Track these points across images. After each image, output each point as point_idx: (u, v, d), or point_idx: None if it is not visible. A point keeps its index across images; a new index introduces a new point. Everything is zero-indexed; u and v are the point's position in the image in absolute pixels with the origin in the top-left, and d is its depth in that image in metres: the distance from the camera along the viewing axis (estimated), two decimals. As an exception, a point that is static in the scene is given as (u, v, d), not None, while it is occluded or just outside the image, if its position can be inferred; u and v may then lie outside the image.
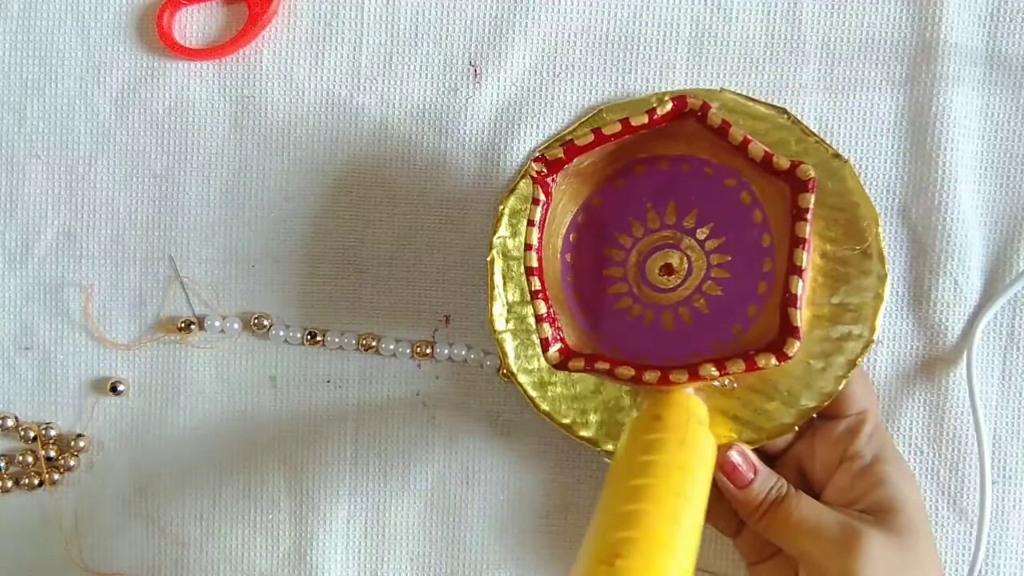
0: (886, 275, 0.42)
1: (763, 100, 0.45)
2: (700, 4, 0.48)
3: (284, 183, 0.49)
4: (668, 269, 0.43)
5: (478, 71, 0.49)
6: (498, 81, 0.49)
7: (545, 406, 0.45)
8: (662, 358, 0.41)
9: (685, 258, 0.43)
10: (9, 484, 0.49)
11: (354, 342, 0.49)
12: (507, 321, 0.46)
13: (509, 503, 0.49)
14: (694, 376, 0.39)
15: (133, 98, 0.50)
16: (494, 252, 0.46)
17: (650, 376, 0.39)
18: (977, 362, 0.48)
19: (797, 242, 0.39)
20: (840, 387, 0.42)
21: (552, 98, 0.49)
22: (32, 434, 0.49)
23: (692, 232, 0.43)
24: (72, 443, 0.49)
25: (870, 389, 0.44)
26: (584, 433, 0.45)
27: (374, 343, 0.49)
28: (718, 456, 0.41)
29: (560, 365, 0.40)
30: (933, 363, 0.48)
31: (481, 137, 0.49)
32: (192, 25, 0.50)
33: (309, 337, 0.49)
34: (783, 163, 0.39)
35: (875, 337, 0.41)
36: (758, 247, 0.42)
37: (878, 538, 0.39)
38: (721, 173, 0.43)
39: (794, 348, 0.38)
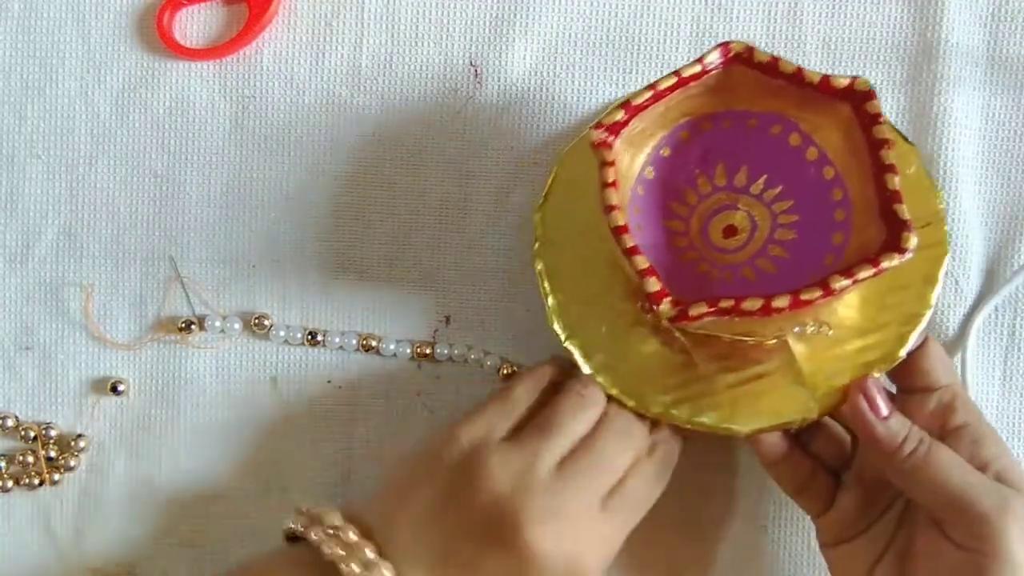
0: (936, 188, 0.44)
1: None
2: (700, 4, 0.48)
3: (284, 183, 0.49)
4: (731, 231, 0.43)
5: (478, 71, 0.49)
6: (498, 81, 0.49)
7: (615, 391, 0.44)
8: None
9: (747, 215, 0.43)
10: (9, 484, 0.49)
11: (354, 342, 0.49)
12: (565, 330, 0.44)
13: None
14: (827, 291, 0.37)
15: (133, 98, 0.50)
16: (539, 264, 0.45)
17: (780, 301, 0.37)
18: (978, 362, 0.48)
19: (879, 144, 0.39)
20: (929, 308, 0.42)
21: (552, 98, 0.49)
22: (32, 434, 0.49)
23: (747, 189, 0.43)
24: (72, 443, 0.49)
25: (950, 361, 0.44)
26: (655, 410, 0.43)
27: (374, 343, 0.49)
28: (850, 389, 0.41)
29: (678, 317, 0.38)
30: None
31: (481, 137, 0.49)
32: (192, 25, 0.50)
33: (309, 337, 0.49)
34: (841, 81, 0.40)
35: (948, 248, 0.43)
36: (822, 181, 0.42)
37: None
38: (766, 122, 0.43)
39: (912, 241, 0.37)
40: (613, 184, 0.39)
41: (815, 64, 0.48)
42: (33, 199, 0.50)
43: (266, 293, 0.49)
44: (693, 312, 0.37)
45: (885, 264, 0.37)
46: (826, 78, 0.40)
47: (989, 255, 0.48)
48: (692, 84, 0.41)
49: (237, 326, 0.49)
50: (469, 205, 0.49)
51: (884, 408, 0.41)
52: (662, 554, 0.48)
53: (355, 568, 0.38)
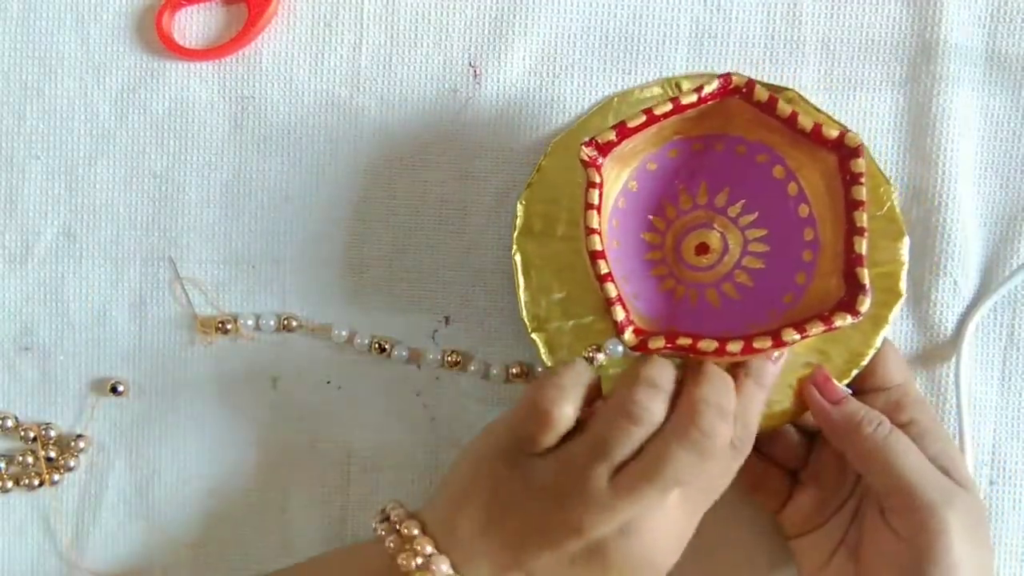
0: (904, 234, 0.45)
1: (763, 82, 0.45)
2: (700, 4, 0.48)
3: (284, 183, 0.49)
4: (703, 248, 0.44)
5: (478, 71, 0.49)
6: (498, 81, 0.49)
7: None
8: (720, 333, 0.40)
9: (720, 236, 0.44)
10: (9, 484, 0.49)
11: (355, 342, 0.49)
12: (532, 321, 0.46)
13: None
14: (777, 342, 0.39)
15: (133, 99, 0.50)
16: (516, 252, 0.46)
17: (734, 347, 0.39)
18: (977, 363, 0.48)
19: (855, 205, 0.40)
20: (872, 348, 0.44)
21: (551, 99, 0.49)
22: (32, 434, 0.49)
23: (724, 210, 0.44)
24: (72, 443, 0.49)
25: (904, 363, 0.46)
26: None
27: (375, 343, 0.49)
28: (803, 385, 0.43)
29: (639, 347, 0.39)
30: (932, 363, 0.48)
31: (481, 137, 0.49)
32: (192, 26, 0.50)
33: (310, 337, 0.49)
34: (832, 133, 0.41)
35: (902, 293, 0.44)
36: (796, 218, 0.43)
37: (968, 503, 0.40)
38: (754, 150, 0.44)
39: (866, 305, 0.39)
40: (597, 208, 0.40)
41: (814, 64, 0.48)
42: (33, 199, 0.50)
43: (266, 293, 0.49)
44: (652, 345, 0.39)
45: (838, 323, 0.39)
46: (818, 126, 0.41)
47: (988, 255, 0.48)
48: (688, 111, 0.41)
49: (238, 326, 0.49)
50: (469, 205, 0.49)
51: (836, 392, 0.43)
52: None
53: (415, 561, 0.38)
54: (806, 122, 0.41)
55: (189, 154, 0.49)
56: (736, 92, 0.41)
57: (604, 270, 0.40)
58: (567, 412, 0.37)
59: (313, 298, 0.49)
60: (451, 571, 0.38)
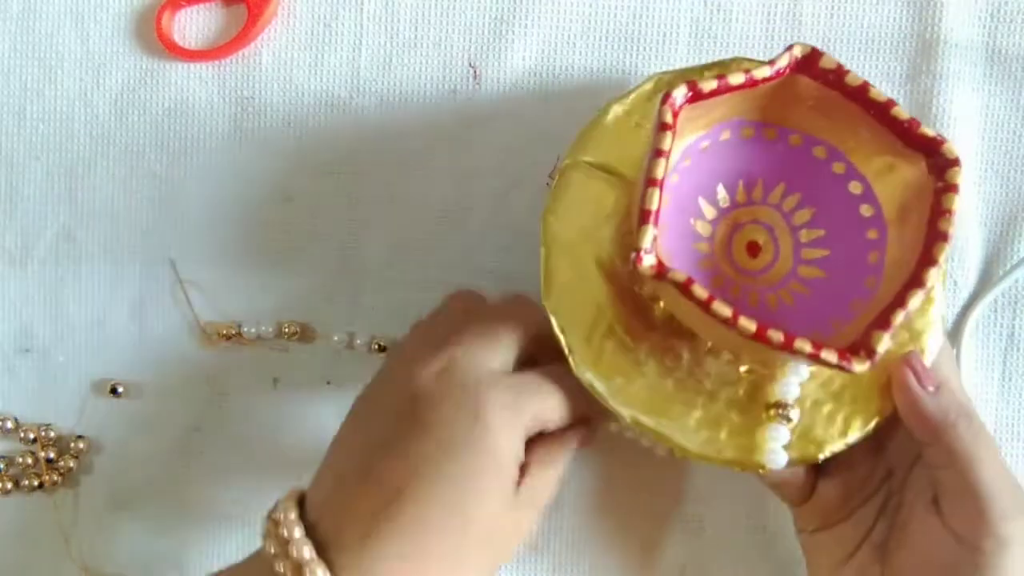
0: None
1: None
2: (700, 4, 0.48)
3: (284, 184, 0.49)
4: (754, 248, 0.42)
5: (477, 72, 0.49)
6: (498, 82, 0.49)
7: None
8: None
9: (769, 233, 0.42)
10: (9, 486, 0.49)
11: (355, 342, 0.49)
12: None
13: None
14: (787, 344, 0.35)
15: (132, 99, 0.50)
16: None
17: (746, 323, 0.35)
18: (977, 363, 0.48)
19: (942, 214, 0.37)
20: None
21: (551, 99, 0.49)
22: (32, 436, 0.49)
23: (779, 206, 0.42)
24: (72, 445, 0.49)
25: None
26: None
27: (375, 344, 0.49)
28: (896, 366, 0.40)
29: (659, 273, 0.36)
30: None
31: (481, 137, 0.49)
32: (191, 26, 0.50)
33: (310, 337, 0.49)
34: (928, 133, 0.37)
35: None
36: (858, 218, 0.40)
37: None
38: (809, 142, 0.41)
39: (882, 344, 0.36)
40: (666, 154, 0.37)
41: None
42: (32, 200, 0.50)
43: (265, 294, 0.49)
44: (672, 276, 0.36)
45: (855, 367, 0.36)
46: (916, 122, 0.38)
47: (987, 254, 0.48)
48: (759, 86, 0.38)
49: (270, 329, 0.49)
50: (469, 205, 0.49)
51: (933, 380, 0.40)
52: (659, 555, 0.48)
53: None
54: (900, 114, 0.37)
55: (189, 154, 0.49)
56: (805, 68, 0.38)
57: (653, 205, 0.36)
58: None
59: (313, 298, 0.49)
60: None
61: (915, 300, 0.36)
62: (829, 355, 0.35)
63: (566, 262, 0.42)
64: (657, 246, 0.36)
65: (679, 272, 0.36)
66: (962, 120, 0.47)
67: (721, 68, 0.43)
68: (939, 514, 0.39)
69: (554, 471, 0.40)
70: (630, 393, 0.41)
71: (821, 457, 0.41)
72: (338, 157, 0.49)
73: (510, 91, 0.49)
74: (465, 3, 0.49)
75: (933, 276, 0.36)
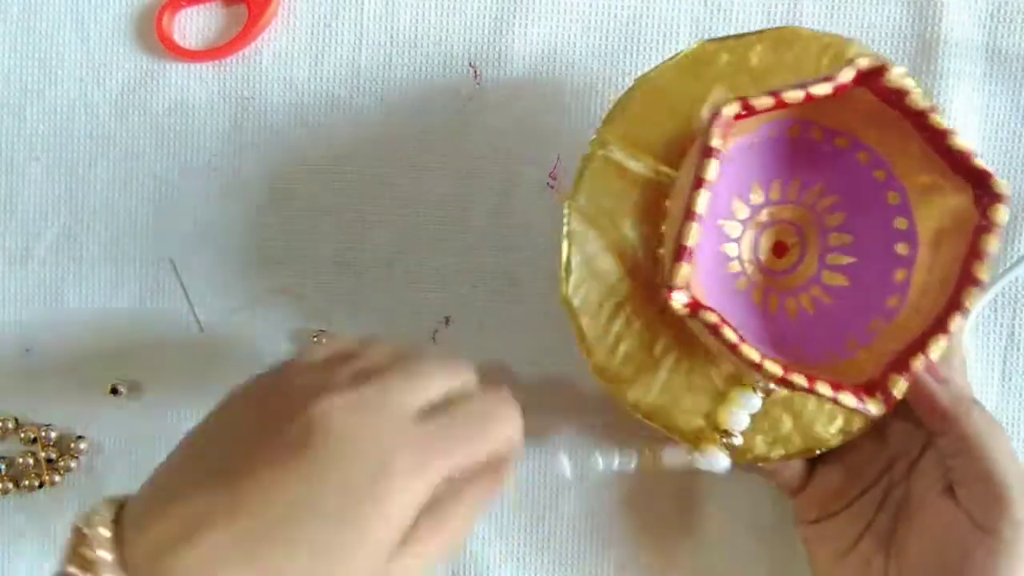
0: None
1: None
2: (700, 4, 0.48)
3: (284, 183, 0.49)
4: (781, 249, 0.41)
5: (478, 71, 0.49)
6: (498, 82, 0.49)
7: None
8: (790, 346, 0.38)
9: (799, 236, 0.41)
10: (9, 486, 0.49)
11: (354, 343, 0.49)
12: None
13: (508, 502, 0.49)
14: (810, 387, 0.35)
15: (133, 100, 0.50)
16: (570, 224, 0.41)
17: (771, 367, 0.35)
18: (977, 362, 0.48)
19: (978, 255, 0.36)
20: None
21: (551, 99, 0.49)
22: (32, 436, 0.49)
23: (812, 206, 0.41)
24: (72, 445, 0.49)
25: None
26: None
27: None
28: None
29: (691, 313, 0.35)
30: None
31: (481, 137, 0.49)
32: (192, 26, 0.50)
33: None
34: (981, 164, 0.36)
35: None
36: (890, 229, 0.39)
37: None
38: (856, 146, 0.40)
39: (899, 387, 0.36)
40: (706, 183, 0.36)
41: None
42: (33, 201, 0.50)
43: (266, 294, 0.49)
44: (703, 317, 0.35)
45: (871, 409, 0.36)
46: (969, 153, 0.37)
47: (988, 254, 0.48)
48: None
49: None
50: (469, 205, 0.49)
51: (942, 370, 0.40)
52: (661, 560, 0.48)
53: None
54: (959, 144, 0.36)
55: (189, 155, 0.49)
56: (866, 80, 0.36)
57: (691, 240, 0.35)
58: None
59: (313, 298, 0.49)
60: None
61: (937, 347, 0.36)
62: (846, 398, 0.35)
63: (586, 249, 0.41)
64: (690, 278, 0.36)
65: (711, 314, 0.35)
66: (962, 120, 0.47)
67: (773, 39, 0.42)
68: (953, 501, 0.39)
69: (448, 535, 0.35)
70: (643, 384, 0.41)
71: (819, 452, 0.41)
72: (338, 157, 0.49)
73: (510, 91, 0.49)
74: (465, 3, 0.49)
75: (958, 322, 0.36)
